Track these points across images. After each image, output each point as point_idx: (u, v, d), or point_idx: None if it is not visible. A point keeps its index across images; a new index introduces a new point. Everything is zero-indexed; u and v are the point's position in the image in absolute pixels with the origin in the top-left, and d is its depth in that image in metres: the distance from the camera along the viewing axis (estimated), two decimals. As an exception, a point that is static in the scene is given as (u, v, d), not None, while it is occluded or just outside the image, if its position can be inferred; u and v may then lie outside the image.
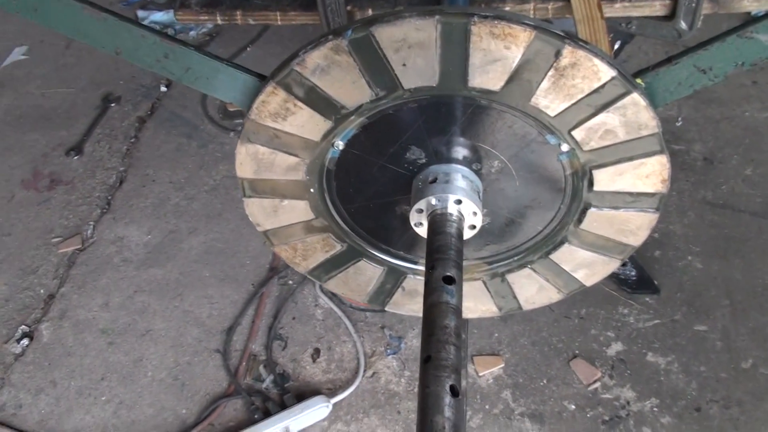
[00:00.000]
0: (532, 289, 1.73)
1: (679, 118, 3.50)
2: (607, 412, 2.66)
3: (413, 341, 2.87)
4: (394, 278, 1.74)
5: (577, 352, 2.81)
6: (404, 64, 1.33)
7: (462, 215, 1.45)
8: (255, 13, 1.96)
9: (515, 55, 1.30)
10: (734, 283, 2.94)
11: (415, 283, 1.74)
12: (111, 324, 2.96)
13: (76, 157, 3.58)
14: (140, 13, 4.10)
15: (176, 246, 3.22)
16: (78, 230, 3.29)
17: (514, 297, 1.75)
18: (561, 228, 1.62)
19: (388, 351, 2.85)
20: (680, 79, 1.42)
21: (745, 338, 2.79)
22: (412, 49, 1.31)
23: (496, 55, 1.30)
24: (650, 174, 1.47)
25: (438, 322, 1.25)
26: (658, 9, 1.89)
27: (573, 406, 2.68)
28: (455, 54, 1.31)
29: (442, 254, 1.36)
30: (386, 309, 1.79)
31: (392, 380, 2.77)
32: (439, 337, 1.23)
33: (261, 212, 1.60)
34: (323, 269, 1.72)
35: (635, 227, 1.57)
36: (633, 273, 2.96)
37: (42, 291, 3.08)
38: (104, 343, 2.90)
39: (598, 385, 2.73)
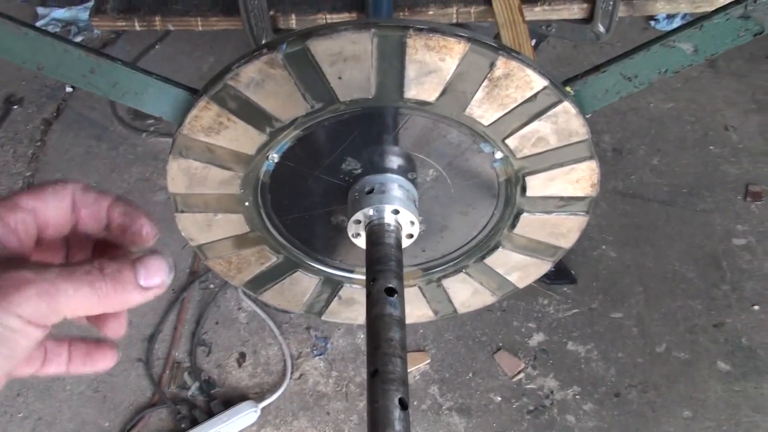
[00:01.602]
0: (467, 293, 1.76)
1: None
2: (532, 402, 2.73)
3: (339, 341, 2.87)
4: (330, 288, 1.73)
5: (500, 344, 2.88)
6: (340, 77, 1.32)
7: (400, 225, 1.46)
8: (174, 18, 1.91)
9: (450, 66, 1.31)
10: (646, 271, 3.06)
11: (352, 291, 1.74)
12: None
13: (-22, 164, 3.43)
14: (40, 10, 3.93)
15: (90, 253, 3.13)
16: (-15, 241, 3.16)
17: (450, 301, 1.77)
18: (495, 233, 1.64)
19: (315, 352, 2.85)
20: (608, 86, 1.46)
21: (659, 323, 2.91)
22: (348, 62, 1.30)
23: (431, 66, 1.31)
24: (580, 179, 1.51)
25: (383, 335, 1.25)
26: (576, 12, 1.94)
27: (499, 398, 2.74)
28: (391, 66, 1.31)
29: (383, 265, 1.37)
30: (323, 318, 1.79)
31: (320, 381, 2.77)
32: (385, 350, 1.23)
33: (194, 227, 1.57)
34: (258, 281, 1.70)
35: (566, 230, 1.61)
36: (551, 264, 3.03)
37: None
38: (17, 360, 2.80)
39: (522, 376, 2.80)
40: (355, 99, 1.36)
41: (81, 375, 2.64)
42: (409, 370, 2.77)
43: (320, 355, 2.84)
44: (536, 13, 1.92)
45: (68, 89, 3.72)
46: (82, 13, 3.86)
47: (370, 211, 1.44)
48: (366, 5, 1.86)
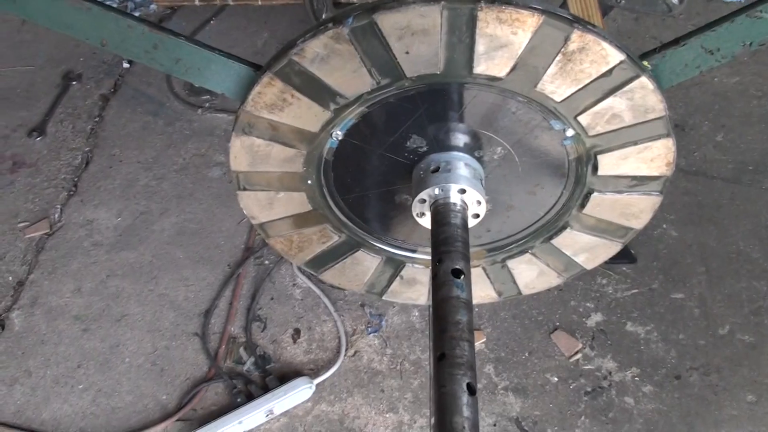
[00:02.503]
0: (532, 275, 1.72)
1: (652, 86, 3.50)
2: (590, 383, 2.68)
3: (394, 318, 2.85)
4: (392, 267, 1.71)
5: (557, 324, 2.82)
6: (407, 52, 1.29)
7: (466, 204, 1.42)
8: (235, -9, 1.89)
9: (522, 40, 1.27)
10: (709, 250, 2.97)
11: (414, 271, 1.72)
12: (84, 310, 2.89)
13: (38, 138, 3.45)
14: (97, -14, 3.96)
15: (148, 228, 3.14)
16: (45, 214, 3.19)
17: (514, 282, 1.74)
18: (563, 213, 1.60)
19: (369, 329, 2.83)
20: (687, 60, 1.40)
21: (722, 305, 2.83)
22: (416, 36, 1.27)
23: (502, 40, 1.27)
24: (655, 158, 1.46)
25: (450, 318, 1.23)
26: (648, -17, 1.87)
27: (555, 379, 2.69)
28: (460, 40, 1.27)
29: (449, 246, 1.34)
30: (384, 298, 1.76)
31: (374, 359, 2.75)
32: (453, 334, 1.21)
33: (256, 205, 1.56)
34: (320, 261, 1.68)
35: (638, 210, 1.56)
36: (611, 243, 2.97)
37: (11, 278, 2.99)
38: (78, 330, 2.83)
39: (579, 356, 2.74)
40: (423, 74, 1.32)
41: (139, 348, 2.68)
42: (464, 349, 2.75)
43: (375, 332, 2.81)
44: (606, -17, 1.86)
45: (125, 65, 3.74)
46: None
47: (436, 191, 1.41)
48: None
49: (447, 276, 1.27)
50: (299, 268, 2.94)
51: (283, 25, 3.89)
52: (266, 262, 3.02)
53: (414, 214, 1.46)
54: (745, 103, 3.42)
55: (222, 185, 3.24)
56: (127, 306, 2.90)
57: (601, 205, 1.55)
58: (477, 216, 1.45)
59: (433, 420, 1.15)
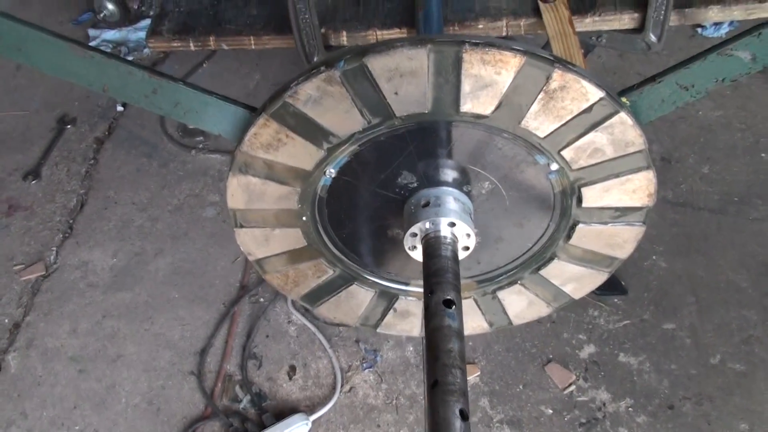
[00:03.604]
0: (522, 305, 1.76)
1: (637, 121, 3.56)
2: (584, 414, 2.69)
3: (389, 354, 2.87)
4: (385, 300, 1.74)
5: (551, 356, 2.84)
6: (396, 93, 1.34)
7: (456, 237, 1.46)
8: (228, 38, 1.95)
9: (506, 80, 1.32)
10: (698, 280, 3.00)
11: (407, 304, 1.75)
12: (80, 351, 2.90)
13: (33, 182, 3.49)
14: (91, 32, 4.00)
15: (143, 268, 3.17)
16: (40, 256, 3.21)
17: (505, 313, 1.77)
18: (551, 244, 1.64)
19: (364, 365, 2.85)
20: (664, 96, 1.46)
21: (712, 334, 2.85)
22: (404, 77, 1.32)
23: (487, 80, 1.32)
24: (637, 189, 1.51)
25: (442, 347, 1.26)
26: (627, 22, 1.93)
27: (550, 411, 2.71)
28: (447, 81, 1.33)
29: (440, 278, 1.38)
30: (378, 330, 1.80)
31: (370, 394, 2.76)
32: (445, 362, 1.24)
33: (252, 242, 1.60)
34: (315, 295, 1.72)
35: (622, 241, 1.60)
36: (601, 275, 3.00)
37: (6, 320, 3.00)
38: (74, 371, 2.84)
39: (573, 388, 2.76)
40: (411, 114, 1.37)
41: (135, 388, 2.69)
42: (459, 383, 2.76)
43: (370, 367, 2.83)
44: (586, 24, 1.92)
45: (119, 108, 3.78)
46: (132, 34, 3.92)
47: (427, 224, 1.45)
48: (416, 21, 1.87)
49: (439, 306, 1.31)
50: (293, 305, 2.97)
51: (274, 67, 3.95)
52: (261, 299, 3.04)
53: (406, 248, 1.50)
54: (730, 136, 3.48)
55: (216, 225, 3.27)
56: (123, 346, 2.91)
57: (586, 236, 1.60)
58: (467, 248, 1.49)
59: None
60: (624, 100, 1.41)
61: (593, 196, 1.52)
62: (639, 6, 1.89)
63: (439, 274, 1.38)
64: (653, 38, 1.90)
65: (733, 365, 2.76)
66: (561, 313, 2.93)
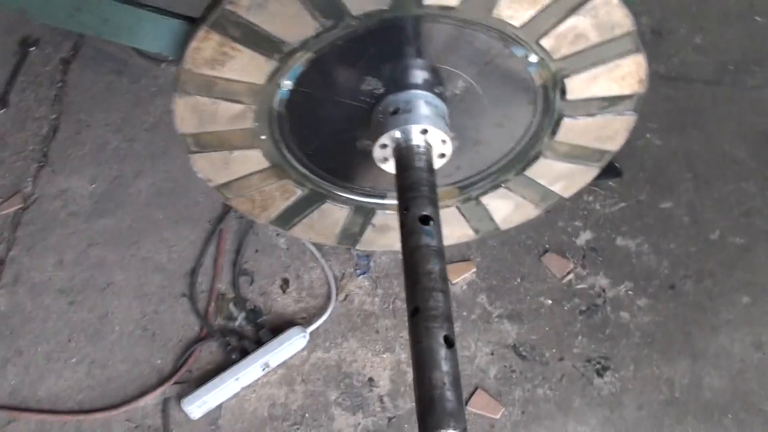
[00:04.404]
0: (508, 209, 1.67)
1: (624, -8, 3.40)
2: (584, 302, 2.66)
3: (382, 258, 2.81)
4: (362, 216, 1.65)
5: (547, 246, 2.79)
6: (350, -12, 1.20)
7: (430, 145, 1.35)
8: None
9: (472, -38, 1.18)
10: (694, 156, 2.93)
11: (385, 218, 1.66)
12: (69, 282, 2.84)
13: (1, 111, 3.34)
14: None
15: (124, 192, 3.07)
16: (17, 188, 3.10)
17: (491, 219, 1.69)
18: (535, 142, 1.54)
19: (358, 271, 2.80)
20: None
21: (711, 210, 2.80)
22: (358, -30, 1.18)
23: (451, -36, 1.18)
24: (626, 75, 1.39)
25: (421, 269, 1.18)
26: None
27: (549, 301, 2.68)
28: (406, -32, 1.19)
29: (415, 192, 1.28)
30: (357, 248, 1.71)
31: (366, 300, 2.73)
32: (425, 285, 1.16)
33: (210, 167, 1.49)
34: (285, 217, 1.63)
35: (613, 132, 1.50)
36: (594, 158, 2.91)
37: (-10, 258, 2.93)
38: (65, 304, 2.79)
39: (571, 276, 2.72)
40: (369, 12, 1.24)
41: (128, 315, 2.64)
42: (455, 281, 2.72)
43: (364, 273, 2.78)
44: None
45: (81, 24, 3.62)
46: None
47: (397, 134, 1.34)
48: None
49: (415, 224, 1.22)
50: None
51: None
52: (247, 214, 2.96)
53: (376, 161, 1.39)
54: (723, 2, 3.34)
55: (194, 140, 3.16)
56: (112, 274, 2.85)
57: (573, 130, 1.49)
58: (443, 156, 1.38)
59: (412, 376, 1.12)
60: (608, -26, 1.27)
61: (578, 87, 1.40)
62: None
63: (413, 188, 1.28)
64: None
65: (734, 239, 2.73)
66: (547, 210, 2.86)
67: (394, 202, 1.63)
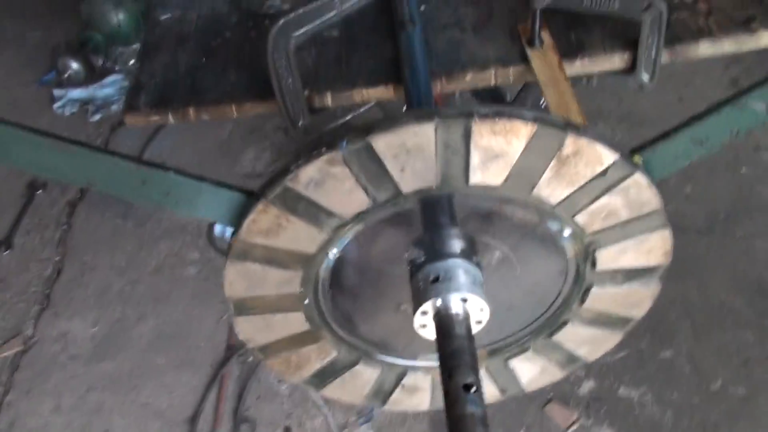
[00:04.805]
0: (534, 371, 1.70)
1: (616, 145, 3.55)
2: (590, 453, 2.65)
3: (385, 407, 2.80)
4: (393, 377, 1.67)
5: (550, 395, 2.80)
6: (402, 170, 1.27)
7: (468, 313, 1.39)
8: (209, 107, 1.87)
9: (517, 149, 1.26)
10: (692, 304, 2.99)
11: (415, 379, 1.68)
12: (65, 429, 2.80)
13: (6, 252, 3.35)
14: (56, 92, 3.88)
15: (125, 335, 3.06)
16: (18, 330, 3.09)
17: (517, 381, 1.71)
18: (564, 310, 1.58)
19: (361, 420, 2.78)
20: (677, 152, 1.42)
21: (711, 359, 2.83)
22: (411, 153, 1.25)
23: (497, 151, 1.26)
24: (653, 249, 1.46)
25: (469, 437, 1.19)
26: (617, 63, 1.89)
27: (555, 453, 2.67)
28: (455, 154, 1.26)
29: (458, 360, 1.30)
30: (386, 408, 1.73)
31: (369, 449, 2.70)
32: (474, 457, 1.17)
33: (252, 329, 1.52)
34: (319, 377, 1.64)
35: (638, 300, 1.55)
36: (596, 308, 2.96)
37: (-14, 402, 2.88)
38: (61, 451, 2.74)
39: (576, 427, 2.72)
40: (419, 189, 1.31)
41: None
42: (459, 431, 2.70)
43: (367, 422, 2.76)
44: (576, 67, 1.87)
45: (88, 168, 3.69)
46: (98, 91, 3.82)
47: (438, 302, 1.37)
48: (403, 77, 1.81)
49: (459, 392, 1.23)
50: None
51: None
52: (250, 359, 2.96)
53: (415, 327, 1.42)
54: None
55: (198, 284, 3.18)
56: (110, 419, 2.81)
57: (601, 298, 1.54)
58: (480, 322, 1.42)
59: None
60: (636, 158, 1.36)
61: (608, 259, 1.47)
62: (629, 45, 1.85)
63: (455, 356, 1.30)
64: (645, 78, 1.86)
65: (735, 390, 2.75)
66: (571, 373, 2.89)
67: (426, 363, 1.66)
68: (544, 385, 1.75)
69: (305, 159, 1.26)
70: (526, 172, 1.29)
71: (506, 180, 1.30)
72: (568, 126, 1.25)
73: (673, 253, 3.07)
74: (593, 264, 1.47)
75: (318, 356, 1.59)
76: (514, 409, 2.77)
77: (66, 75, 3.89)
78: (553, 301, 1.57)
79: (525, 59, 1.87)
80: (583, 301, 1.55)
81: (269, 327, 1.51)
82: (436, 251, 1.41)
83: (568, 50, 1.89)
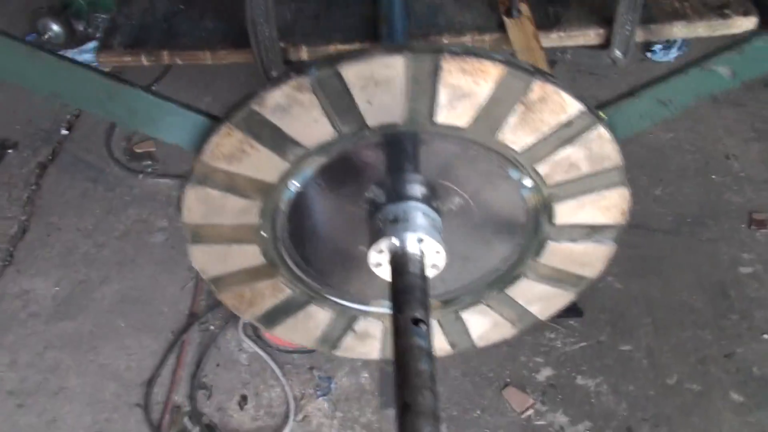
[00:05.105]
0: (486, 326, 1.71)
1: (589, 143, 3.59)
2: (543, 439, 2.67)
3: (343, 380, 2.80)
4: (345, 321, 1.68)
5: (508, 380, 2.82)
6: (369, 102, 1.28)
7: (424, 254, 1.41)
8: (183, 52, 1.87)
9: (485, 90, 1.28)
10: (654, 301, 3.02)
11: (366, 324, 1.69)
12: (19, 384, 2.77)
13: (-29, 209, 3.33)
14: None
15: (88, 296, 3.04)
16: (-22, 286, 3.06)
17: (468, 335, 1.73)
18: (519, 262, 1.60)
19: (319, 392, 2.78)
20: (641, 111, 1.44)
21: (669, 355, 2.86)
22: (379, 86, 1.27)
23: (465, 90, 1.28)
24: (611, 206, 1.48)
25: (412, 367, 1.20)
26: (592, 38, 1.92)
27: (509, 436, 2.68)
28: (423, 90, 1.28)
29: (409, 295, 1.32)
30: (336, 353, 1.73)
31: (324, 423, 2.70)
32: (415, 383, 1.18)
33: (207, 259, 1.52)
34: (271, 316, 1.64)
35: (593, 259, 1.58)
36: (557, 298, 2.98)
37: (-61, 353, 2.84)
38: (13, 406, 2.71)
39: (531, 412, 2.74)
40: (384, 124, 1.32)
41: (78, 422, 2.56)
42: (415, 409, 2.71)
43: (324, 395, 2.76)
44: (552, 39, 1.91)
45: (64, 132, 3.64)
46: (77, 56, 3.79)
47: (394, 240, 1.39)
48: (379, 35, 1.83)
49: (408, 325, 1.25)
50: (245, 332, 2.88)
51: (224, 90, 3.89)
52: (211, 327, 2.95)
53: (371, 265, 1.44)
54: (681, 158, 3.54)
55: (164, 251, 3.17)
56: (66, 378, 2.79)
57: (556, 254, 1.56)
58: (435, 266, 1.44)
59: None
60: (602, 114, 1.38)
61: (566, 213, 1.49)
62: (604, 22, 1.89)
63: (407, 292, 1.31)
64: (619, 54, 1.90)
65: (690, 385, 2.78)
66: (522, 331, 2.90)
67: (378, 309, 1.68)
68: (496, 341, 1.76)
69: (273, 83, 1.27)
70: (492, 115, 1.31)
71: (472, 122, 1.32)
72: (536, 71, 1.27)
73: (639, 252, 3.13)
74: (551, 217, 1.49)
75: (272, 293, 1.59)
76: (471, 390, 2.79)
77: (46, 36, 3.88)
78: (510, 254, 1.59)
79: (502, 28, 1.90)
80: (538, 255, 1.57)
81: (224, 258, 1.52)
82: (396, 192, 1.44)
83: (545, 23, 1.93)
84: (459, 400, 2.76)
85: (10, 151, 3.55)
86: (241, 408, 2.74)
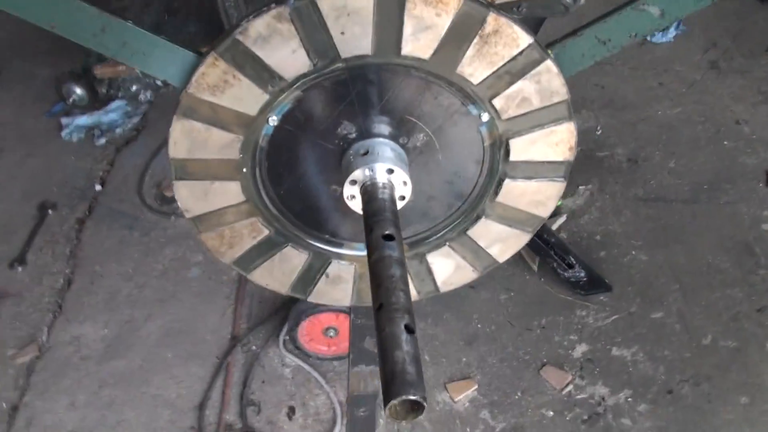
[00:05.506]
0: (449, 269, 1.79)
1: (598, 128, 3.66)
2: (585, 411, 2.69)
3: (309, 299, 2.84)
4: (318, 264, 1.76)
5: (545, 360, 2.85)
6: (342, 32, 1.40)
7: (393, 184, 1.52)
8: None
9: (445, 22, 1.40)
10: (680, 268, 3.04)
11: (339, 268, 1.77)
12: (80, 423, 2.89)
13: (20, 269, 3.50)
14: (64, 120, 4.02)
15: (134, 334, 3.18)
16: (33, 338, 3.20)
17: (432, 278, 1.80)
18: (479, 202, 1.69)
19: (362, 396, 2.84)
20: (584, 50, 1.56)
21: (701, 316, 2.87)
22: (351, 16, 1.38)
23: (427, 22, 1.39)
24: (559, 141, 1.58)
25: (384, 273, 1.31)
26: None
27: (551, 413, 2.70)
28: (390, 21, 1.39)
29: (380, 216, 1.43)
30: (309, 299, 1.81)
31: (371, 422, 2.75)
32: (388, 286, 1.28)
33: (190, 196, 1.61)
34: (249, 258, 1.72)
35: (545, 197, 1.66)
36: (583, 275, 3.02)
37: (4, 405, 2.98)
38: (76, 443, 2.83)
39: (570, 387, 2.76)
40: (355, 56, 1.43)
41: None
42: (457, 399, 2.76)
43: (367, 397, 2.83)
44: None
45: (97, 187, 3.83)
46: (103, 117, 4.00)
47: (366, 171, 1.51)
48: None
49: (379, 241, 1.35)
50: (285, 347, 2.98)
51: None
52: (253, 347, 3.06)
53: (345, 198, 1.54)
54: (691, 130, 3.58)
55: (202, 283, 3.30)
56: (122, 412, 2.90)
57: (512, 192, 1.65)
58: (403, 198, 1.54)
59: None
60: (548, 51, 1.50)
61: (520, 149, 1.58)
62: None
63: (378, 213, 1.42)
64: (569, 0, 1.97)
65: (726, 343, 2.78)
66: (549, 317, 2.96)
67: (350, 252, 1.77)
68: (458, 285, 1.82)
69: (255, 14, 1.39)
70: (451, 47, 1.43)
71: (434, 53, 1.44)
72: (491, 5, 1.40)
73: (660, 223, 3.16)
74: (507, 153, 1.59)
75: (250, 234, 1.67)
76: (510, 375, 2.83)
77: (71, 100, 4.03)
78: (471, 192, 1.68)
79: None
80: (496, 193, 1.66)
81: (207, 195, 1.60)
82: (366, 129, 1.55)
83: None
84: (499, 385, 2.80)
85: (50, 211, 3.73)
86: (290, 419, 2.82)
